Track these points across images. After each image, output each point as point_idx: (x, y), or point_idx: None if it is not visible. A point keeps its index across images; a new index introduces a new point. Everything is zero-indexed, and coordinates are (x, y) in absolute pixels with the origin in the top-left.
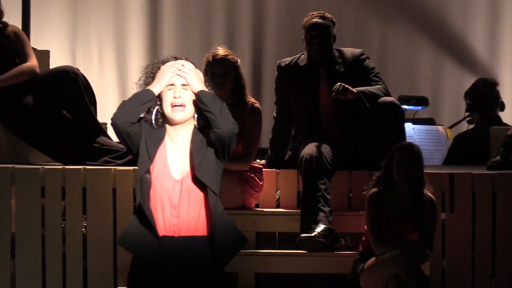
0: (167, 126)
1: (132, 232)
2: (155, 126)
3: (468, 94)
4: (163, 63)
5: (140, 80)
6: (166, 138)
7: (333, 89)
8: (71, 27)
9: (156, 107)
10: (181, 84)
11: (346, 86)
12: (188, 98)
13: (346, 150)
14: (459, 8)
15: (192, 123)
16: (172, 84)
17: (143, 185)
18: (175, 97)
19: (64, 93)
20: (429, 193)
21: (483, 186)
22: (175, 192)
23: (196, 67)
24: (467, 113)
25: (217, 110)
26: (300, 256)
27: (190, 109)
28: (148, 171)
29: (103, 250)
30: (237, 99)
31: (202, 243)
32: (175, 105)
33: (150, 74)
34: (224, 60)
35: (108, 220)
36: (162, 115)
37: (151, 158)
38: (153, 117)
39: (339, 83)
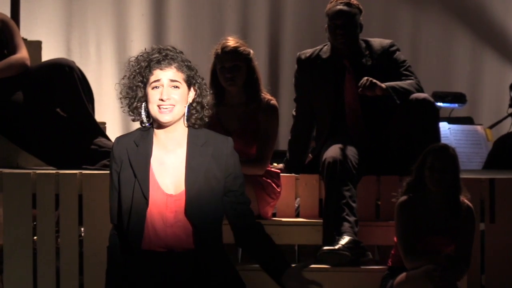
0: (156, 129)
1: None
2: (147, 125)
3: None
4: (147, 56)
5: (123, 79)
6: (155, 147)
7: (359, 84)
8: (65, 14)
9: (143, 105)
10: (169, 81)
11: (374, 80)
12: (177, 98)
13: (374, 153)
14: None
15: (184, 120)
16: (158, 80)
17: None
18: (162, 99)
19: (58, 89)
20: (465, 201)
21: None
22: (169, 208)
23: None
24: (510, 109)
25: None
26: (323, 272)
27: (179, 109)
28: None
29: (102, 264)
30: (251, 96)
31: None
32: (163, 107)
33: (134, 74)
34: (234, 52)
35: (107, 231)
36: (148, 114)
37: (141, 181)
38: (144, 117)
39: (366, 78)
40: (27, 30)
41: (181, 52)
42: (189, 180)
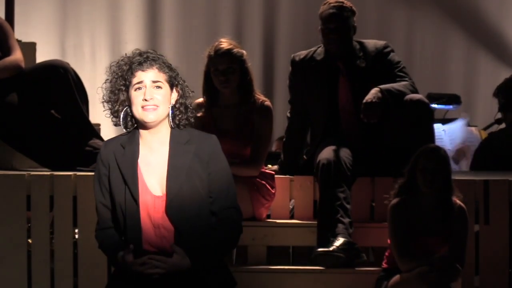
0: (141, 130)
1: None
2: (125, 130)
3: (500, 92)
4: (128, 59)
5: (105, 83)
6: (141, 148)
7: (361, 117)
8: (60, 16)
9: (124, 109)
10: (152, 81)
11: (370, 100)
12: (161, 99)
13: (368, 154)
14: None
15: (168, 124)
16: (140, 82)
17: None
18: (145, 99)
19: (53, 91)
20: (458, 201)
21: None
22: (156, 210)
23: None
24: (499, 113)
25: None
26: (317, 273)
27: (163, 109)
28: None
29: (96, 266)
30: (244, 97)
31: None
32: (147, 108)
33: (116, 77)
34: (228, 54)
35: None
36: (131, 118)
37: (130, 184)
38: (122, 121)
39: (363, 103)
40: (22, 32)
41: (162, 55)
42: (170, 180)
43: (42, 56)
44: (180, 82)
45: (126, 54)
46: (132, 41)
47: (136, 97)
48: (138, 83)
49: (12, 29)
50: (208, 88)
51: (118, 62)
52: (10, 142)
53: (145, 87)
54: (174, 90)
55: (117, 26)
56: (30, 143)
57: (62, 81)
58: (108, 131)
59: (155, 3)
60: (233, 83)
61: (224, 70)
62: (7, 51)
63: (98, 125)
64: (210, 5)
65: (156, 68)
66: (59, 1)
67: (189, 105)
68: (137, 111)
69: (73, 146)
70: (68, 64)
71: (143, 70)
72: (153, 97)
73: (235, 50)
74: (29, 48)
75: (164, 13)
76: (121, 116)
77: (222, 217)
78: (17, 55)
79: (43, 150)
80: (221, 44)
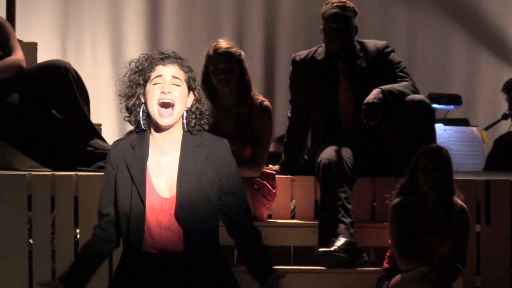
0: (152, 131)
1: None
2: (143, 128)
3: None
4: (148, 58)
5: (124, 76)
6: (151, 149)
7: (362, 117)
8: (61, 16)
9: (142, 106)
10: (172, 77)
11: (370, 100)
12: (178, 96)
13: (369, 154)
14: None
15: (181, 126)
16: (160, 76)
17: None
18: (163, 92)
19: (54, 91)
20: (459, 201)
21: None
22: (163, 212)
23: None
24: (509, 111)
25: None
26: (318, 273)
27: (179, 110)
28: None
29: None
30: (243, 97)
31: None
32: (163, 102)
33: (135, 70)
34: (227, 53)
35: None
36: (147, 115)
37: (138, 185)
38: (141, 116)
39: (363, 104)
40: (23, 31)
41: (180, 57)
42: (180, 183)
43: (43, 56)
44: (198, 88)
45: (146, 53)
46: (133, 41)
47: (154, 90)
48: (158, 77)
49: (13, 29)
50: (206, 89)
51: (138, 58)
52: (11, 142)
53: (164, 81)
54: (191, 93)
55: (118, 26)
56: (31, 143)
57: (63, 81)
58: (109, 131)
59: (156, 4)
60: (233, 82)
61: (224, 69)
62: (8, 51)
63: (100, 125)
64: (211, 5)
65: (177, 65)
66: (60, 1)
67: (205, 112)
68: (153, 109)
69: (74, 146)
70: (69, 64)
71: (164, 65)
72: (171, 91)
73: (233, 49)
74: (30, 48)
75: (165, 14)
76: (139, 110)
77: (241, 222)
78: (18, 55)
79: (44, 150)
80: (219, 44)
